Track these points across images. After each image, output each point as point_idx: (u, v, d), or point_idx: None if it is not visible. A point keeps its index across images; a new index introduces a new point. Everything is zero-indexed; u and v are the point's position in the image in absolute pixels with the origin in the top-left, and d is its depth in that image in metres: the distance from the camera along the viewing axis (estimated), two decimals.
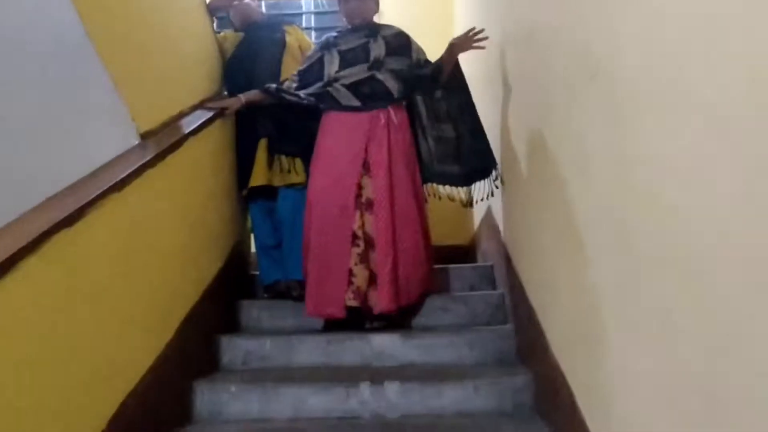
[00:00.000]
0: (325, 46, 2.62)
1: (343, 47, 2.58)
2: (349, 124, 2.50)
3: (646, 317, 1.05)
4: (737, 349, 0.76)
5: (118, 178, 1.62)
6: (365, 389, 1.97)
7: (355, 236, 2.39)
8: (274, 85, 2.59)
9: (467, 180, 2.56)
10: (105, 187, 1.55)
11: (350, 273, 2.37)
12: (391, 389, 1.97)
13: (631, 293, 1.11)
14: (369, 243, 2.40)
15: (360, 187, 2.42)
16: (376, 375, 2.04)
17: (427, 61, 2.59)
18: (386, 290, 2.34)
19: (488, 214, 2.95)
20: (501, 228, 2.60)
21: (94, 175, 1.63)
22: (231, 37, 2.89)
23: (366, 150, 2.45)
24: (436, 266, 2.99)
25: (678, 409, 0.93)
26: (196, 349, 2.12)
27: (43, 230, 1.28)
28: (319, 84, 2.55)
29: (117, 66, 1.80)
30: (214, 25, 2.92)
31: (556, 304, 1.69)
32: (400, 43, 2.59)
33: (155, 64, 2.12)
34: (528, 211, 2.00)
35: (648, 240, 1.02)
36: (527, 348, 2.07)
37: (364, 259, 2.38)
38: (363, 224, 2.40)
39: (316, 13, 4.43)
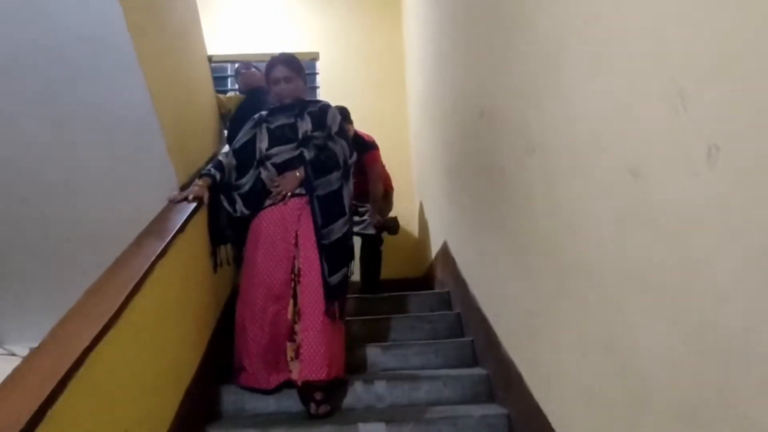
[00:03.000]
0: (258, 123, 2.75)
1: (273, 124, 2.71)
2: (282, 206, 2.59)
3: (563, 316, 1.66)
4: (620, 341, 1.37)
5: (181, 223, 2.14)
6: (359, 386, 2.51)
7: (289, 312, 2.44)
8: (219, 175, 2.58)
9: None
10: (175, 230, 2.07)
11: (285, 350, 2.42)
12: (380, 386, 2.52)
13: (556, 296, 1.72)
14: (297, 315, 2.44)
15: (294, 258, 2.50)
16: (366, 377, 2.59)
17: (339, 132, 2.72)
18: (317, 357, 2.35)
19: (444, 249, 3.56)
20: (456, 259, 3.21)
21: (162, 219, 2.15)
22: (235, 98, 3.46)
23: (298, 223, 2.54)
24: (399, 293, 3.58)
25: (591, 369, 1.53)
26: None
27: (151, 261, 1.80)
28: (252, 169, 2.64)
29: (170, 135, 2.34)
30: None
31: (506, 312, 2.29)
32: (321, 116, 2.72)
33: (190, 131, 2.67)
34: (485, 245, 2.58)
35: (566, 252, 1.62)
36: (483, 351, 2.66)
37: (292, 335, 2.43)
38: (295, 294, 2.45)
39: None
